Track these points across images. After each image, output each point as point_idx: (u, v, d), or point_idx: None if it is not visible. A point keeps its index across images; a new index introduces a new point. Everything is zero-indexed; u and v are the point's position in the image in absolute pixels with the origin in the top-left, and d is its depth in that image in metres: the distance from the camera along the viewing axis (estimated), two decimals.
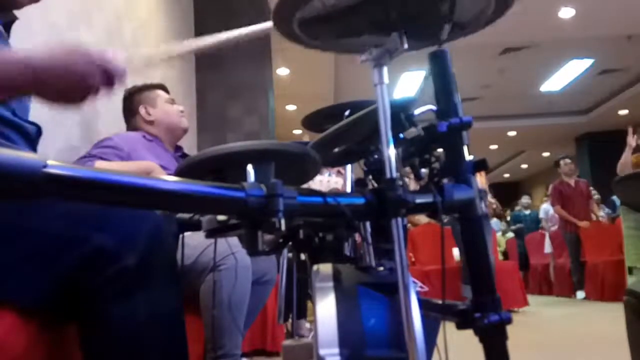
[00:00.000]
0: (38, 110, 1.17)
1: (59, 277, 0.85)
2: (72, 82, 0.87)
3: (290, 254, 1.54)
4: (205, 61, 4.58)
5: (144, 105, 2.05)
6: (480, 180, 4.85)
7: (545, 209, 8.31)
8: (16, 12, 1.15)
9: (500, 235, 9.66)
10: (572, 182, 6.57)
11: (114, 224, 0.85)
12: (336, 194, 0.76)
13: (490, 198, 9.15)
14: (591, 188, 6.91)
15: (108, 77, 0.91)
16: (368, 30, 0.84)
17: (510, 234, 9.70)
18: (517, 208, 10.36)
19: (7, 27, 1.13)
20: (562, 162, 6.68)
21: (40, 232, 0.86)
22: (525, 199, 10.07)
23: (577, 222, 6.37)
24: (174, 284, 0.92)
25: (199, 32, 4.77)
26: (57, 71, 0.86)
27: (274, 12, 0.79)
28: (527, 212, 9.84)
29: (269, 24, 0.85)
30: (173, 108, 2.09)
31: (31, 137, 1.10)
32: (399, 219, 0.73)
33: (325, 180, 2.01)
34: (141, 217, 0.88)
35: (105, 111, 2.37)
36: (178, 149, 2.14)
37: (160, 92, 2.11)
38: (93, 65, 0.88)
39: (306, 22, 0.82)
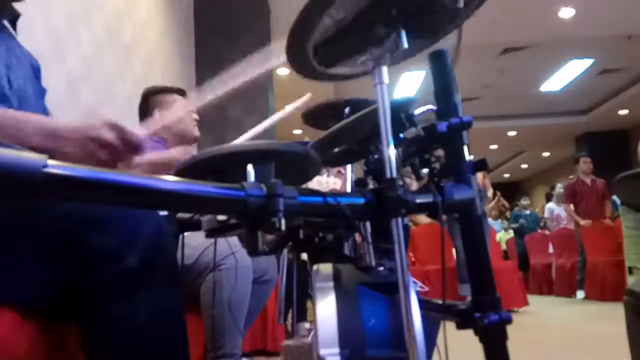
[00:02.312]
0: (37, 109, 1.17)
1: (59, 277, 0.85)
2: (84, 138, 0.95)
3: (290, 254, 1.54)
4: (205, 60, 4.58)
5: (159, 109, 2.06)
6: (482, 180, 4.87)
7: (550, 208, 8.29)
8: (17, 10, 1.16)
9: (503, 233, 9.66)
10: (588, 180, 6.54)
11: (114, 224, 0.85)
12: (336, 193, 0.76)
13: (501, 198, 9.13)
14: None
15: (124, 141, 0.97)
16: (371, 42, 0.83)
17: (511, 233, 9.70)
18: (516, 208, 10.38)
19: (13, 23, 1.15)
20: (581, 160, 6.63)
21: (40, 232, 0.86)
22: (524, 200, 10.08)
23: (579, 220, 6.36)
24: (174, 284, 0.92)
25: (199, 31, 4.78)
26: (71, 133, 0.95)
27: (288, 40, 0.78)
28: (527, 212, 9.83)
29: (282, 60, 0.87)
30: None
31: None
32: (399, 219, 0.73)
33: (324, 182, 2.00)
34: (142, 217, 0.88)
35: (106, 111, 2.37)
36: None
37: (178, 97, 2.12)
38: (106, 124, 0.97)
39: (320, 48, 0.82)
